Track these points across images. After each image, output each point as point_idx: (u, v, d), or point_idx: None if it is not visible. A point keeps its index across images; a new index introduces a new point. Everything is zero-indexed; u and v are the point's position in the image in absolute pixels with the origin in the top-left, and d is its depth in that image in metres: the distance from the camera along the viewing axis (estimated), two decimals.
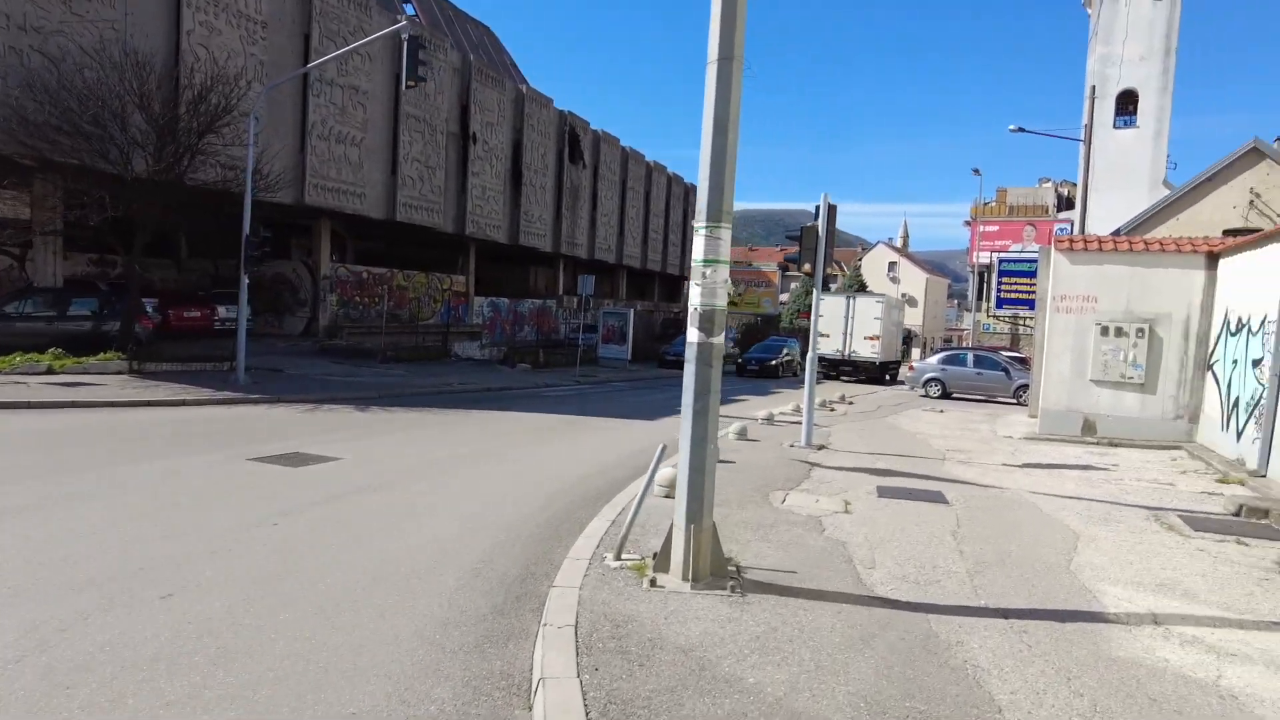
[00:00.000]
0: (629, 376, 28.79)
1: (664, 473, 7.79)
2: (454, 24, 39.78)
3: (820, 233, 11.11)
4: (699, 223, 4.83)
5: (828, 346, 32.44)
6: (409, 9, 35.55)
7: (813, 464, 10.50)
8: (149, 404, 13.69)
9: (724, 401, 22.02)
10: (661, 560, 5.13)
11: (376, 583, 5.22)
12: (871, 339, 32.66)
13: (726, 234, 4.81)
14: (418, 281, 33.99)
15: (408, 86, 15.33)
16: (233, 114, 18.88)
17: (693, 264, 4.87)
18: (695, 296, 4.83)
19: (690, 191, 55.56)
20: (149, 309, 24.07)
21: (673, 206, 52.97)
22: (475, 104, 32.39)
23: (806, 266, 11.21)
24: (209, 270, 31.47)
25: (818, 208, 11.25)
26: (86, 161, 16.53)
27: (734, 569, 5.38)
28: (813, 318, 11.77)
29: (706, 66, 4.67)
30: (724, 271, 4.84)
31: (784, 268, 53.49)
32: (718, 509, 7.41)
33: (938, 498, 8.63)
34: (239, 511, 6.80)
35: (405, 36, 15.04)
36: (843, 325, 32.73)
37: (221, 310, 27.70)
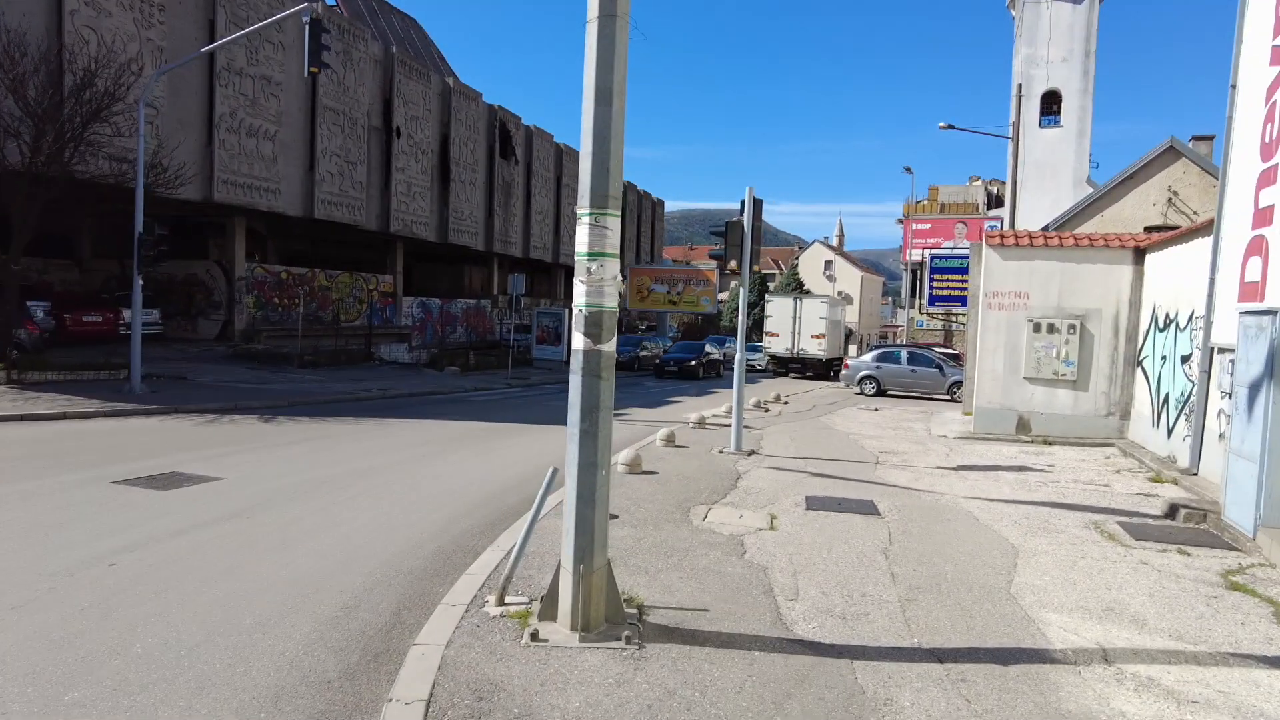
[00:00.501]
0: (563, 378, 27.87)
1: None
2: (378, 15, 38.31)
3: (746, 228, 10.50)
4: (582, 209, 4.10)
5: (778, 345, 34.67)
6: (330, 0, 34.03)
7: (740, 472, 9.88)
8: (21, 419, 12.36)
9: (658, 403, 21.54)
10: (547, 607, 4.38)
11: (209, 639, 4.35)
12: (818, 337, 34.24)
13: (615, 223, 4.10)
14: (341, 282, 32.51)
15: (310, 73, 14.26)
16: (124, 102, 17.45)
17: (576, 258, 4.14)
18: (580, 296, 4.10)
19: (627, 189, 54.94)
20: (40, 313, 22.34)
21: None
22: (399, 97, 31.11)
23: (733, 263, 10.61)
24: (114, 271, 29.50)
25: (743, 202, 10.65)
26: None
27: (635, 610, 4.66)
28: (740, 317, 11.16)
29: (586, 25, 3.95)
30: (613, 266, 4.12)
31: (722, 267, 53.18)
32: (631, 529, 6.76)
33: (869, 508, 8.09)
34: (77, 546, 5.81)
35: (306, 20, 13.95)
36: (791, 325, 34.20)
37: (126, 314, 25.92)
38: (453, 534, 6.79)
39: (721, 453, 11.31)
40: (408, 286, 40.59)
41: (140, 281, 16.14)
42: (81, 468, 8.78)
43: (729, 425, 12.70)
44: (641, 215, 58.67)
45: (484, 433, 13.38)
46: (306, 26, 13.84)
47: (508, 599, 4.77)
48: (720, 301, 56.64)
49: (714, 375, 32.77)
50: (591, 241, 4.06)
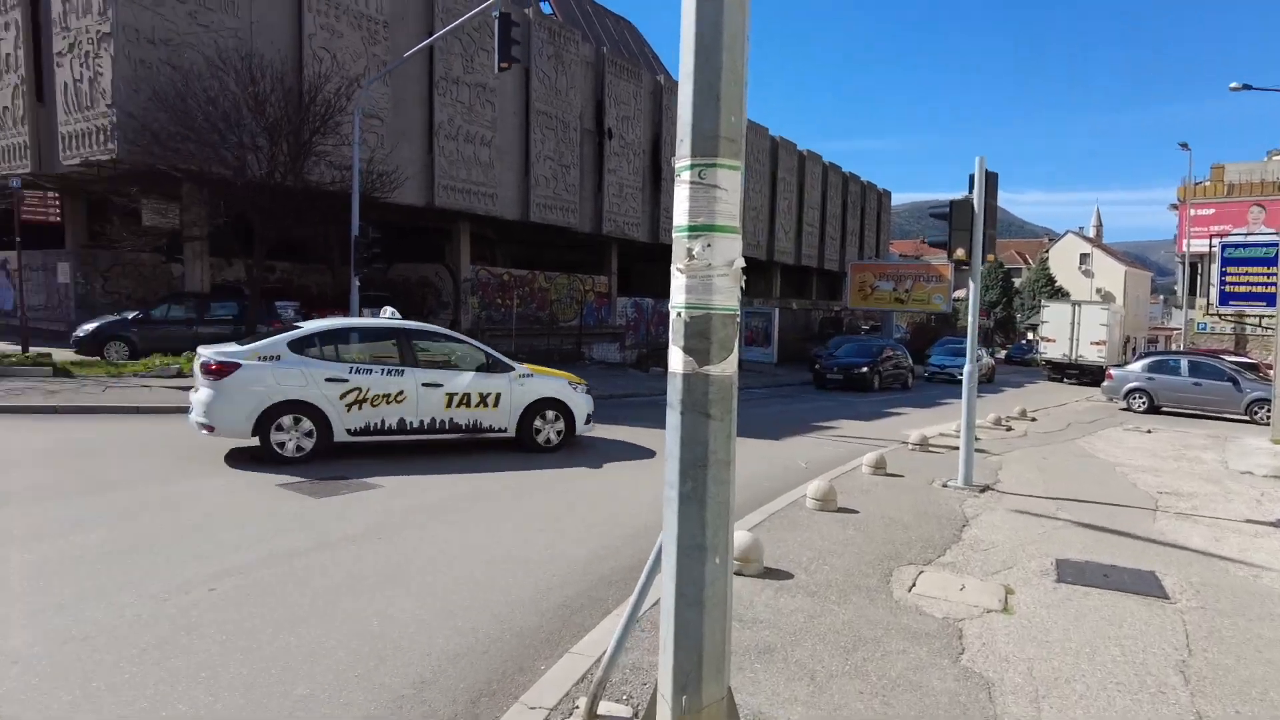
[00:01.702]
0: (771, 381, 26.31)
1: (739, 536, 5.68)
2: (591, 19, 38.89)
3: (976, 206, 8.40)
4: (681, 159, 2.71)
5: (1054, 351, 34.58)
6: (545, 7, 34.95)
7: (967, 516, 7.85)
8: None
9: (875, 414, 19.24)
10: None
11: (242, 711, 3.50)
12: (1098, 344, 33.51)
13: (733, 180, 2.66)
14: (559, 283, 33.23)
15: (501, 68, 13.99)
16: (346, 113, 18.50)
17: (674, 234, 2.76)
18: (678, 291, 2.71)
19: (849, 181, 51.85)
20: (290, 312, 24.68)
21: (829, 198, 49.49)
22: (610, 98, 31.10)
23: (959, 251, 8.55)
24: (367, 275, 32.34)
25: (971, 177, 8.55)
26: (203, 167, 16.54)
27: None
28: (970, 316, 9.04)
29: None
30: (728, 247, 2.68)
31: (957, 264, 48.56)
32: (805, 599, 5.17)
33: (1151, 585, 5.85)
34: (193, 563, 5.37)
35: (496, 14, 13.67)
36: (1069, 331, 34.01)
37: (366, 314, 28.18)
38: (590, 579, 5.64)
39: (945, 486, 9.25)
40: (624, 287, 40.94)
41: (358, 281, 16.90)
42: (263, 465, 8.77)
43: (958, 448, 10.55)
44: (865, 207, 55.16)
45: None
46: (496, 21, 13.55)
47: (601, 709, 3.48)
48: (956, 300, 51.77)
49: (898, 386, 26.94)
50: (694, 208, 2.65)
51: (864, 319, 52.90)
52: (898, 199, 74.87)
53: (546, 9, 34.89)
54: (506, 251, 36.75)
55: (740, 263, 2.70)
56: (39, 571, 5.19)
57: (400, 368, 9.65)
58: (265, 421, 8.81)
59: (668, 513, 2.80)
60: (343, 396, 9.17)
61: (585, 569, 5.89)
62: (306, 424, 9.03)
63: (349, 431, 9.31)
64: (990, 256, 8.75)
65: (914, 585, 5.64)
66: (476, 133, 25.49)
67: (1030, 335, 66.55)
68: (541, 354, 25.72)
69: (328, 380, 9.13)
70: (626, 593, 5.14)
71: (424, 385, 9.71)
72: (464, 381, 9.99)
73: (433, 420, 9.87)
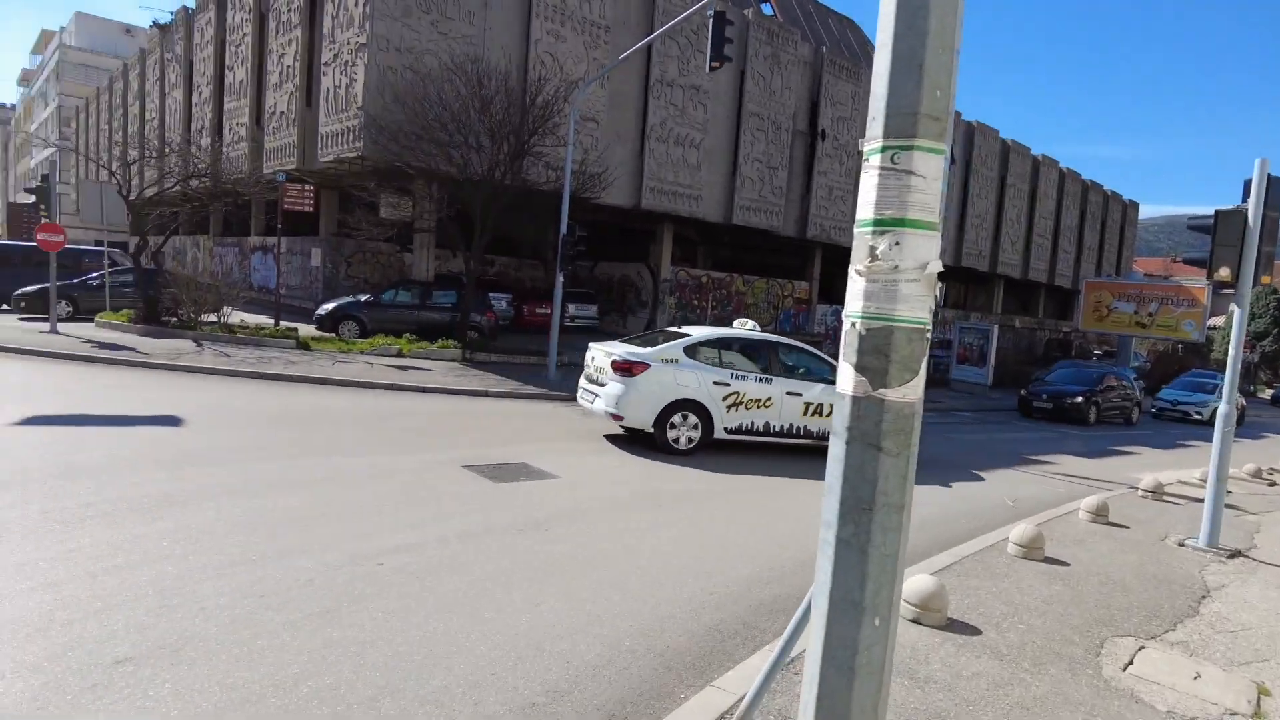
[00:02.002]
0: (981, 405, 24.18)
1: (917, 582, 5.11)
2: (813, 19, 37.88)
3: (1251, 219, 6.95)
4: (870, 140, 2.28)
5: None
6: (766, 8, 34.52)
7: (1210, 586, 6.56)
8: (456, 392, 14.04)
9: (1099, 452, 17.02)
10: None
11: (385, 694, 3.53)
12: None
13: (934, 166, 2.19)
14: (757, 287, 32.82)
15: (712, 68, 13.79)
16: (562, 114, 19.23)
17: (856, 229, 2.33)
18: (854, 298, 2.29)
19: (1089, 189, 46.77)
20: (503, 304, 26.21)
21: (1065, 208, 44.92)
22: (826, 98, 30.10)
23: (1223, 270, 7.13)
24: (571, 272, 33.81)
25: (1247, 183, 7.11)
26: (432, 165, 17.86)
27: None
28: (1231, 348, 7.55)
29: None
30: (923, 246, 2.22)
31: (1217, 286, 42.33)
32: (992, 662, 4.45)
33: None
34: (372, 537, 5.66)
35: (710, 13, 13.51)
36: None
37: (571, 308, 29.37)
38: (748, 602, 5.27)
39: (1181, 545, 7.84)
40: (831, 294, 39.68)
41: (562, 277, 17.46)
42: (455, 447, 9.22)
43: (1201, 500, 8.95)
44: (1107, 220, 49.55)
45: None
46: (710, 20, 13.40)
47: None
48: (1212, 328, 45.11)
49: (1121, 421, 23.35)
50: (882, 198, 2.21)
51: (1097, 343, 47.57)
52: (1145, 212, 66.66)
53: (768, 10, 34.48)
54: (709, 253, 36.82)
55: (936, 266, 2.23)
56: (239, 527, 5.67)
57: (769, 376, 10.63)
58: (665, 416, 10.05)
59: (821, 559, 2.39)
60: (724, 399, 10.32)
61: (746, 590, 5.52)
62: (693, 419, 10.19)
63: (726, 430, 10.42)
64: (1266, 279, 7.26)
65: (1130, 663, 4.72)
66: (686, 134, 25.65)
67: None
68: None
69: (714, 384, 10.29)
70: (781, 626, 4.72)
71: (787, 394, 10.62)
72: (817, 392, 10.75)
73: (791, 426, 10.75)
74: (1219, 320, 59.66)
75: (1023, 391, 23.17)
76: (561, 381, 16.55)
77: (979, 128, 37.86)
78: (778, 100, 28.23)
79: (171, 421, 9.05)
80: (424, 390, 13.83)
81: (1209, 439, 8.51)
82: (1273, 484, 13.32)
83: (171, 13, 33.02)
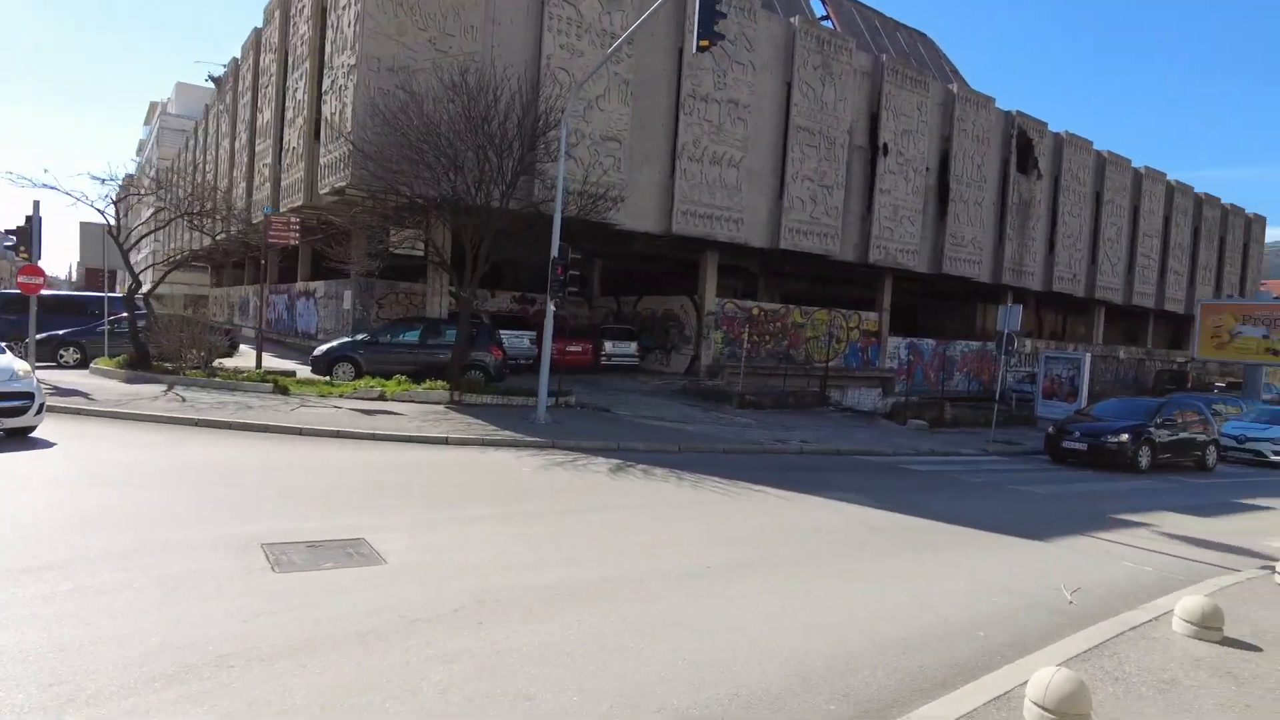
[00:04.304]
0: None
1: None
2: (879, 32, 35.30)
3: None
4: None
5: None
6: (817, 7, 32.26)
7: None
8: (412, 440, 12.17)
9: (1207, 506, 12.62)
10: None
11: None
12: None
13: None
14: (818, 319, 29.92)
15: (700, 47, 11.66)
16: (577, 133, 17.44)
17: None
18: None
19: (1203, 204, 41.83)
20: (525, 341, 24.42)
21: (1176, 224, 40.17)
22: (888, 110, 27.41)
23: None
24: (613, 308, 31.91)
25: None
26: (418, 190, 16.27)
27: None
28: None
29: None
30: None
31: None
32: None
33: None
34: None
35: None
36: None
37: (609, 346, 27.35)
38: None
39: None
40: (909, 326, 36.36)
41: (553, 307, 15.44)
42: (297, 514, 7.11)
43: None
44: (1227, 237, 44.27)
45: (897, 531, 8.74)
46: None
47: None
48: None
49: (1190, 465, 17.51)
50: None
51: (1219, 374, 42.10)
52: (1272, 235, 60.08)
53: (819, 9, 32.17)
54: (774, 286, 34.30)
55: None
56: None
57: None
58: None
59: None
60: None
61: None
62: None
63: None
64: None
65: None
66: (724, 153, 23.48)
67: None
68: (774, 396, 22.64)
69: None
70: None
71: None
72: None
73: None
74: None
75: (1050, 429, 17.87)
76: (550, 426, 14.44)
77: (1068, 139, 34.19)
78: (830, 113, 25.76)
79: None
80: (373, 438, 11.97)
81: None
82: None
83: (224, 65, 33.57)
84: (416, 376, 17.24)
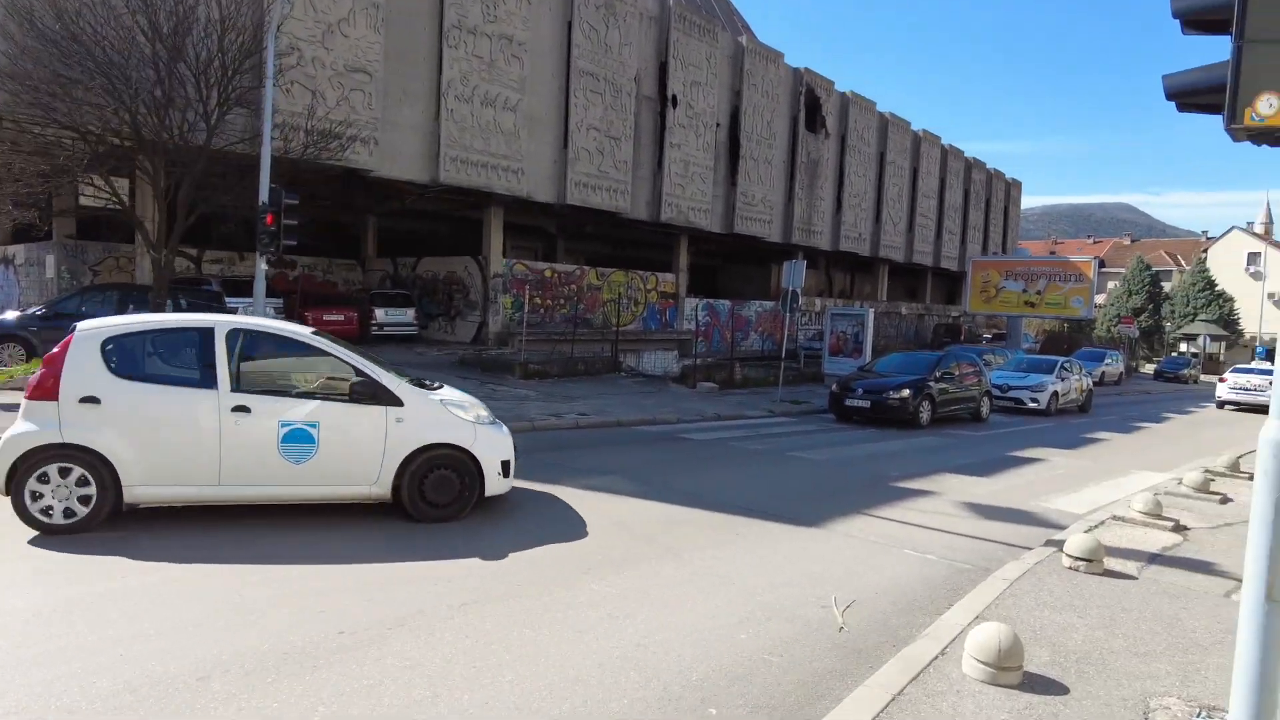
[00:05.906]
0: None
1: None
2: None
3: None
4: None
5: None
6: None
7: None
8: None
9: (976, 464, 11.40)
10: None
11: None
12: None
13: None
14: (614, 280, 28.34)
15: None
16: (292, 53, 14.31)
17: None
18: None
19: (972, 167, 44.66)
20: (269, 311, 20.90)
21: (949, 186, 42.58)
22: (676, 59, 26.04)
23: (1268, 101, 3.15)
24: (389, 270, 28.60)
25: None
26: (80, 122, 12.61)
27: None
28: None
29: None
30: None
31: (1101, 262, 40.94)
32: None
33: None
34: None
35: None
36: None
37: (380, 313, 24.21)
38: None
39: None
40: (708, 287, 35.79)
41: (264, 267, 12.50)
42: None
43: (1179, 554, 4.88)
44: (991, 199, 47.74)
45: (645, 529, 7.00)
46: None
47: None
48: (1097, 305, 43.70)
49: (967, 417, 17.58)
50: None
51: (986, 326, 45.57)
52: (1028, 203, 66.14)
53: None
54: (576, 249, 32.40)
55: None
56: None
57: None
58: None
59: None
60: None
61: None
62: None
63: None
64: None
65: None
66: (499, 94, 21.02)
67: (1184, 347, 56.73)
68: (562, 364, 20.81)
69: None
70: None
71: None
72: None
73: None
74: (1102, 298, 59.28)
75: (834, 387, 17.35)
76: None
77: (854, 99, 34.75)
78: (616, 58, 23.96)
79: None
80: None
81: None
82: (1221, 497, 9.69)
83: None
84: None
